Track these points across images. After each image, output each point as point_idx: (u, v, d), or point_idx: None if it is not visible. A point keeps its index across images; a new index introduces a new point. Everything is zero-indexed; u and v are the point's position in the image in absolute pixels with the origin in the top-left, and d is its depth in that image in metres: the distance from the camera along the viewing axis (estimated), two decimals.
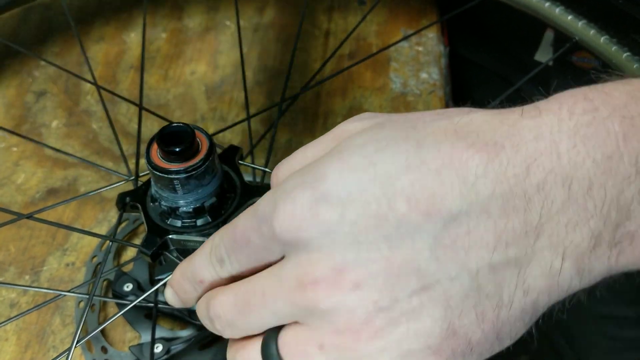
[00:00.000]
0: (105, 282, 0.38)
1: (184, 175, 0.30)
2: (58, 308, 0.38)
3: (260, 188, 0.33)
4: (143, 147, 0.31)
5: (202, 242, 0.31)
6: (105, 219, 0.42)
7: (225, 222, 0.32)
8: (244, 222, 0.24)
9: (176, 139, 0.29)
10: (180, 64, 0.52)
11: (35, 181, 0.45)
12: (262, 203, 0.23)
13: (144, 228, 0.41)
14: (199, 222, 0.31)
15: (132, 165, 0.39)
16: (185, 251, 0.33)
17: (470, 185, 0.20)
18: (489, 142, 0.21)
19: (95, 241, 0.41)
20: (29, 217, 0.33)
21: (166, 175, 0.30)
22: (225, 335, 0.25)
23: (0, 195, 0.44)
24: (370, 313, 0.20)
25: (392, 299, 0.20)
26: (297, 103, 0.49)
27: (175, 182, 0.30)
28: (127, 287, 0.37)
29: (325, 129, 0.47)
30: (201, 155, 0.30)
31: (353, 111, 0.48)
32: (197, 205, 0.31)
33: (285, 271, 0.22)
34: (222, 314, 0.24)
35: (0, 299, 0.39)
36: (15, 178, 0.45)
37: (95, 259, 0.39)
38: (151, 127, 0.47)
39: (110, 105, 0.49)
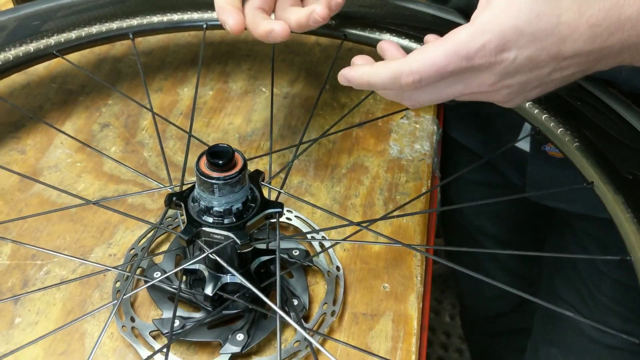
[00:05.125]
0: (139, 270, 0.47)
1: (222, 182, 0.40)
2: (98, 285, 0.46)
3: (274, 203, 0.43)
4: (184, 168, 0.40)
5: (227, 235, 0.41)
6: (146, 225, 0.52)
7: (245, 224, 0.41)
8: None
9: (220, 155, 0.40)
10: (221, 116, 0.64)
11: (92, 190, 0.55)
12: None
13: (174, 231, 0.50)
14: (226, 220, 0.41)
15: (172, 182, 0.49)
16: (211, 242, 0.42)
17: None
18: None
19: (134, 238, 0.50)
20: (96, 203, 0.43)
21: (209, 180, 0.40)
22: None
23: (64, 197, 0.54)
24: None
25: None
26: (311, 155, 0.59)
27: (215, 186, 0.40)
28: (157, 274, 0.45)
29: (332, 177, 0.57)
30: (237, 169, 0.40)
31: (356, 166, 0.58)
32: (227, 207, 0.41)
33: None
34: None
35: (53, 275, 0.47)
36: (76, 186, 0.55)
37: (132, 251, 0.48)
38: (191, 158, 0.58)
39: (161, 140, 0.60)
